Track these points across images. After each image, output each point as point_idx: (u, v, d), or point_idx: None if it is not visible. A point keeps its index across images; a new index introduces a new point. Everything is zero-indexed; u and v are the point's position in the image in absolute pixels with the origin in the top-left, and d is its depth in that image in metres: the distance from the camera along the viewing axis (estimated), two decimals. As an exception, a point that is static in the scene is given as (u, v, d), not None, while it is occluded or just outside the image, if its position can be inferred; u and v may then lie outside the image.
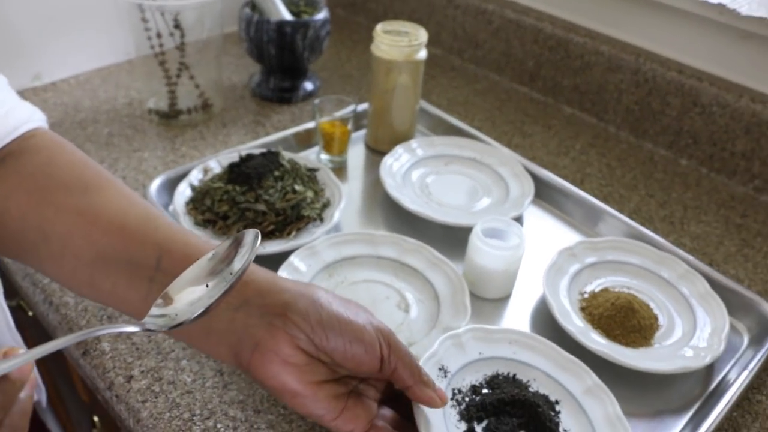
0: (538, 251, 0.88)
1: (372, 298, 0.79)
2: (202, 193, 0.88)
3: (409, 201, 0.91)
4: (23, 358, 0.41)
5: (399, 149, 1.01)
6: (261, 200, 0.84)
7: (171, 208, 0.88)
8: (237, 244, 0.52)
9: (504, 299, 0.83)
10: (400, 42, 0.96)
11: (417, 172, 0.99)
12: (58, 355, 0.77)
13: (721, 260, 0.91)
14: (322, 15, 1.13)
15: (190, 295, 0.50)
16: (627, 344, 0.76)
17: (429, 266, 0.82)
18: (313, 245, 0.83)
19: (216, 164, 0.94)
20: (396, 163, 0.99)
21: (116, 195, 0.60)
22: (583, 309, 0.80)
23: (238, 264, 0.51)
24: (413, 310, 0.78)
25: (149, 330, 0.49)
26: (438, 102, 1.22)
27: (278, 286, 0.56)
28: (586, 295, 0.82)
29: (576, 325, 0.76)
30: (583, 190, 0.99)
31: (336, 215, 0.87)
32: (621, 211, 0.97)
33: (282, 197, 0.85)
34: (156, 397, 0.69)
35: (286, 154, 0.94)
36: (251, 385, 0.70)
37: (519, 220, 0.93)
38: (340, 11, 1.57)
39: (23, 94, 1.13)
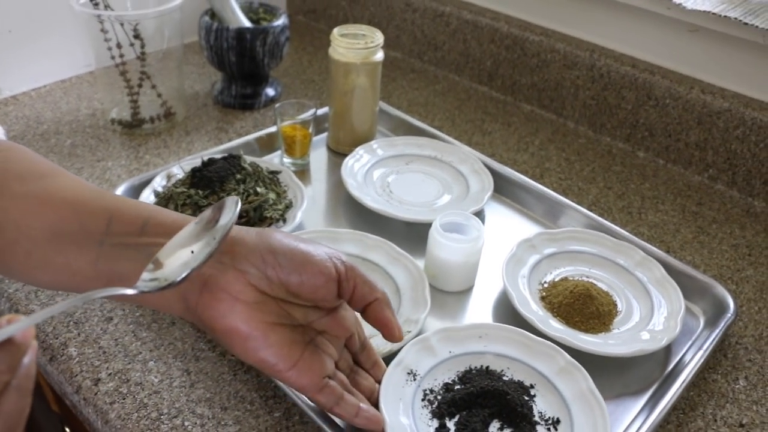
0: (499, 244, 0.90)
1: (336, 295, 0.80)
2: (165, 198, 0.88)
3: (371, 200, 0.93)
4: (26, 322, 0.43)
5: (360, 150, 1.02)
6: (223, 203, 0.85)
7: (134, 214, 0.88)
8: (219, 209, 0.54)
9: (466, 292, 0.84)
10: (356, 44, 0.98)
11: (378, 172, 1.01)
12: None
13: (678, 247, 0.94)
14: (280, 21, 1.14)
15: (177, 260, 0.52)
16: (586, 330, 0.78)
17: (390, 261, 0.83)
18: (277, 246, 0.84)
19: (179, 170, 0.95)
20: (357, 163, 1.00)
21: (70, 179, 0.60)
22: (543, 298, 0.82)
23: (220, 228, 0.52)
24: (375, 304, 0.79)
25: (143, 292, 0.50)
26: (398, 103, 1.24)
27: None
28: (546, 285, 0.84)
29: (536, 313, 0.77)
30: (543, 184, 1.01)
31: (298, 216, 0.88)
32: (580, 203, 0.99)
33: (244, 199, 0.86)
34: (123, 399, 0.69)
35: (248, 158, 0.95)
36: (218, 383, 0.71)
37: (480, 215, 0.95)
38: (301, 18, 1.59)
39: (-16, 108, 1.13)
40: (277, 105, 1.01)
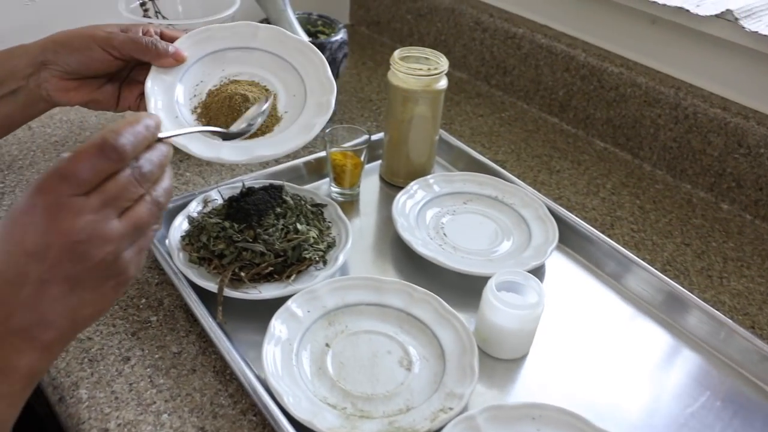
0: (560, 307, 0.81)
1: (373, 351, 0.72)
2: (198, 228, 0.82)
3: (422, 244, 0.84)
4: (181, 132, 0.62)
5: (414, 185, 0.94)
6: (260, 239, 0.78)
7: (167, 242, 0.82)
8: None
9: (519, 360, 0.75)
10: (418, 70, 0.90)
11: (432, 212, 0.92)
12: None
13: (766, 322, 0.83)
14: (339, 36, 1.07)
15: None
16: None
17: (437, 320, 0.75)
18: (314, 289, 0.77)
19: (217, 195, 0.89)
20: (410, 200, 0.92)
21: None
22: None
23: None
24: (416, 368, 0.71)
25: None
26: (460, 131, 1.15)
27: None
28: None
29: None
30: (613, 236, 0.91)
31: (340, 258, 0.80)
32: (653, 261, 0.89)
33: (283, 237, 0.79)
34: (128, 459, 0.63)
35: (290, 189, 0.87)
36: (233, 451, 0.64)
37: (540, 268, 0.86)
38: (364, 29, 1.51)
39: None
40: (327, 130, 0.93)
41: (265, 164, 1.02)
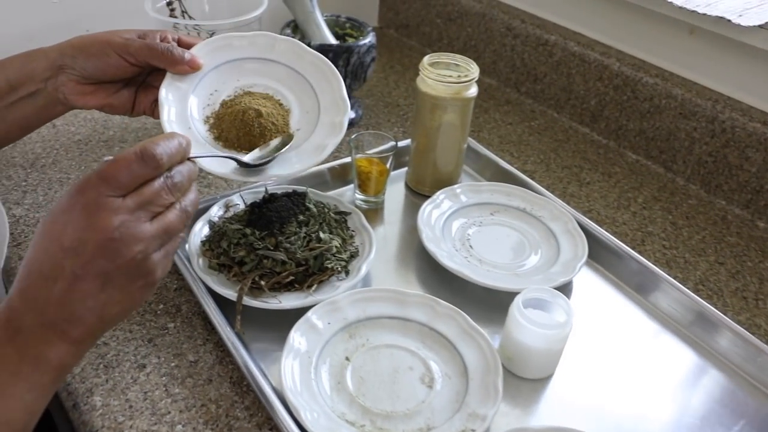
0: (587, 325, 0.78)
1: (394, 366, 0.70)
2: (219, 233, 0.80)
3: (447, 256, 0.82)
4: (209, 155, 0.68)
5: (441, 195, 0.92)
6: (281, 248, 0.76)
7: (187, 246, 0.80)
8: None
9: (544, 380, 0.73)
10: (447, 77, 0.87)
11: (458, 222, 0.90)
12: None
13: (802, 348, 0.80)
14: (367, 40, 1.04)
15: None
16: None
17: (461, 335, 0.72)
18: (335, 300, 0.75)
19: (239, 199, 0.87)
20: (436, 210, 0.90)
21: None
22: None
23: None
24: (438, 385, 0.69)
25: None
26: (489, 139, 1.12)
27: None
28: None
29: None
30: (643, 252, 0.88)
31: (363, 269, 0.78)
32: (685, 280, 0.86)
33: (305, 245, 0.77)
34: (140, 471, 0.61)
35: (314, 196, 0.86)
36: (247, 467, 0.62)
37: (568, 284, 0.83)
38: (393, 32, 1.49)
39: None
40: (352, 136, 0.91)
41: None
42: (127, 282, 0.54)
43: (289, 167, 0.74)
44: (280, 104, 0.79)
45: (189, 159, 0.59)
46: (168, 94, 0.74)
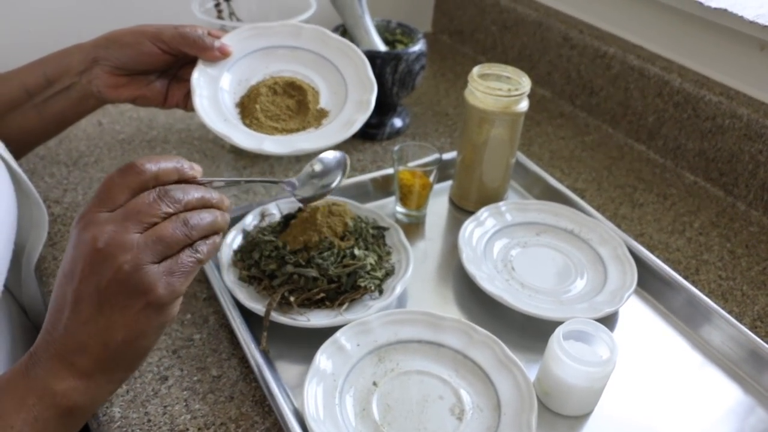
0: (632, 360, 0.73)
1: (423, 394, 0.67)
2: (252, 244, 0.78)
3: (487, 279, 0.78)
4: (220, 179, 0.61)
5: (485, 212, 0.88)
6: (313, 263, 0.73)
7: (219, 255, 0.78)
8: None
9: (582, 417, 0.68)
10: (497, 90, 0.84)
11: (501, 243, 0.86)
12: None
13: None
14: (417, 47, 1.01)
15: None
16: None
17: (496, 366, 0.69)
18: (366, 321, 0.72)
19: (276, 209, 0.85)
20: (478, 229, 0.86)
21: None
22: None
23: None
24: (468, 418, 0.65)
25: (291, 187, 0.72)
26: (539, 154, 1.08)
27: None
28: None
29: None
30: (697, 282, 0.83)
31: (398, 288, 0.75)
32: (742, 314, 0.81)
33: (338, 262, 0.74)
34: (153, 493, 0.59)
35: (353, 209, 0.83)
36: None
37: (614, 314, 0.79)
38: (446, 38, 1.45)
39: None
40: (396, 147, 0.88)
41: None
42: (124, 299, 0.50)
43: (319, 141, 0.75)
44: (310, 86, 0.82)
45: (201, 183, 0.58)
46: (200, 78, 0.78)
